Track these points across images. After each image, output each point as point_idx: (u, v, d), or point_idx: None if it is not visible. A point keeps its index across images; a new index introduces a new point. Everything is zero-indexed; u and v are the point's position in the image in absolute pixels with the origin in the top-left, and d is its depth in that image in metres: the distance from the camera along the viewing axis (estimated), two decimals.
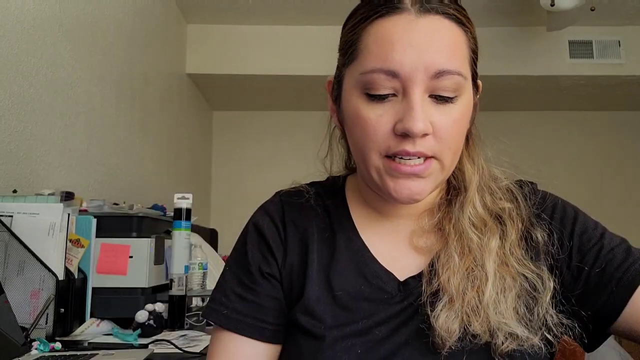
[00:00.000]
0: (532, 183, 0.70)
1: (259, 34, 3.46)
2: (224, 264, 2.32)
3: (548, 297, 0.58)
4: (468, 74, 0.59)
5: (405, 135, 0.56)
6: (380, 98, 0.57)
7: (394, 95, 0.57)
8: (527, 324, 0.56)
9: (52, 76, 1.67)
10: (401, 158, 0.57)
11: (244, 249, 0.67)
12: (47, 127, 1.63)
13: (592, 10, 2.80)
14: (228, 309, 0.64)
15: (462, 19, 0.59)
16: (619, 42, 3.50)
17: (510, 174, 0.69)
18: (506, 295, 0.57)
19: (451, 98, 0.57)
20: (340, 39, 0.64)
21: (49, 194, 1.24)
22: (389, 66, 0.56)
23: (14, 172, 1.44)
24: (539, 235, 0.62)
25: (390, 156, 0.58)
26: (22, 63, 1.50)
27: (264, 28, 3.47)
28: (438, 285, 0.59)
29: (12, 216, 1.12)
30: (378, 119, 0.57)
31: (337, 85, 0.65)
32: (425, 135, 0.56)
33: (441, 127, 0.57)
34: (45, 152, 1.61)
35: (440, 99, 0.57)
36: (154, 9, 2.74)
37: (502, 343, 0.55)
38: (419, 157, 0.57)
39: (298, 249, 0.66)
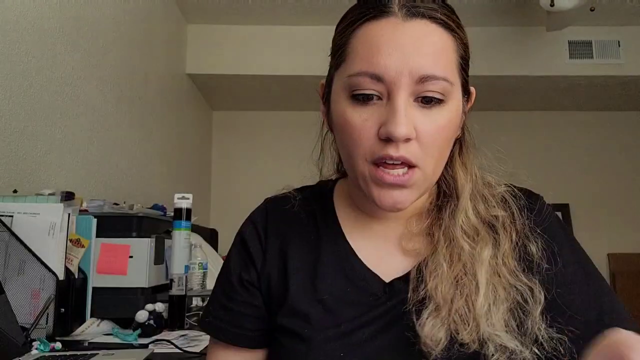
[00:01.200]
0: (529, 192, 0.68)
1: (259, 34, 3.46)
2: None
3: (538, 311, 0.57)
4: (456, 80, 0.59)
5: (388, 140, 0.56)
6: (365, 101, 0.57)
7: (379, 99, 0.57)
8: (518, 337, 0.56)
9: (52, 76, 1.67)
10: (385, 164, 0.57)
11: (229, 258, 0.70)
12: (47, 127, 1.63)
13: (592, 10, 2.80)
14: (213, 317, 0.68)
15: (450, 25, 0.58)
16: (619, 42, 3.50)
17: (505, 180, 0.68)
18: (498, 306, 0.57)
19: (437, 102, 0.57)
20: (332, 42, 0.65)
21: (49, 194, 1.24)
22: (374, 70, 0.56)
23: (14, 172, 1.45)
24: (534, 248, 0.62)
25: (376, 163, 0.57)
26: (22, 63, 1.50)
27: (264, 28, 3.47)
28: (425, 292, 0.58)
29: (12, 216, 1.13)
30: (363, 123, 0.57)
31: (327, 88, 0.66)
32: (408, 140, 0.56)
33: (425, 133, 0.56)
34: (45, 152, 1.61)
35: (425, 103, 0.57)
36: (154, 9, 2.74)
37: (492, 355, 0.54)
38: (402, 166, 0.57)
39: (278, 256, 0.67)
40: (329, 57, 0.65)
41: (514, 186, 0.68)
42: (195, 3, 3.16)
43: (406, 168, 0.57)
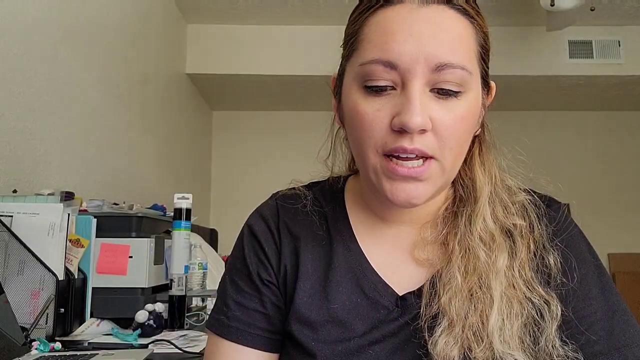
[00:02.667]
0: (551, 199, 0.65)
1: (259, 34, 3.46)
2: (224, 264, 2.31)
3: (554, 327, 0.54)
4: (475, 69, 0.56)
5: (402, 131, 0.52)
6: (378, 91, 0.54)
7: (392, 88, 0.54)
8: (532, 355, 0.53)
9: (52, 76, 1.67)
10: (398, 158, 0.54)
11: (242, 255, 0.65)
12: (47, 127, 1.63)
13: (592, 10, 2.80)
14: (227, 317, 0.62)
15: (469, 11, 0.55)
16: (619, 42, 3.50)
17: (525, 186, 0.64)
18: (512, 322, 0.54)
19: (454, 93, 0.53)
20: (344, 32, 0.62)
21: (48, 194, 1.24)
22: (388, 57, 0.53)
23: (14, 172, 1.44)
24: (552, 259, 0.58)
25: (388, 155, 0.54)
26: (22, 63, 1.50)
27: (264, 28, 3.47)
28: (438, 307, 0.55)
29: (12, 216, 1.12)
30: (375, 114, 0.54)
31: (339, 80, 0.63)
32: (423, 131, 0.52)
33: (442, 123, 0.53)
34: (45, 152, 1.61)
35: (441, 93, 0.53)
36: (154, 9, 2.73)
37: None
38: (417, 158, 0.53)
39: (290, 257, 0.63)
40: (341, 49, 0.62)
41: (535, 192, 0.65)
42: (195, 3, 3.16)
43: (422, 160, 0.54)
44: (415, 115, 0.51)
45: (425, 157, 0.54)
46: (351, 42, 0.58)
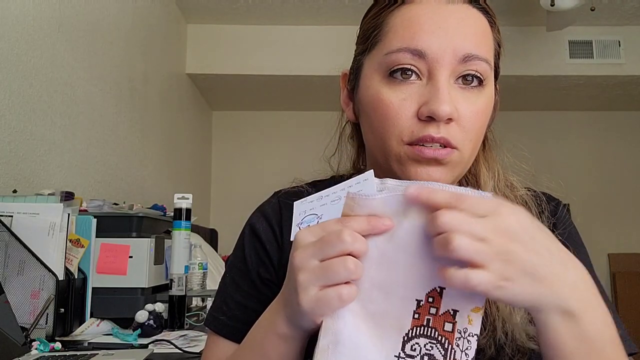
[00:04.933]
0: (550, 196, 0.67)
1: (259, 34, 3.46)
2: (224, 264, 2.31)
3: None
4: (492, 66, 0.58)
5: (429, 120, 0.53)
6: (404, 79, 0.55)
7: (418, 78, 0.55)
8: (534, 342, 0.53)
9: (52, 76, 1.67)
10: (423, 145, 0.54)
11: (242, 254, 0.65)
12: (47, 127, 1.63)
13: (592, 10, 2.80)
14: (227, 316, 0.63)
15: (490, 12, 0.59)
16: (619, 42, 3.50)
17: (526, 182, 0.66)
18: (516, 309, 0.54)
19: (479, 81, 0.56)
20: (360, 28, 0.63)
21: (49, 194, 1.24)
22: (416, 45, 0.54)
23: (14, 172, 1.44)
24: None
25: (414, 144, 0.55)
26: (22, 63, 1.50)
27: (264, 28, 3.47)
28: None
29: (12, 216, 1.12)
30: (401, 103, 0.55)
31: (353, 76, 0.63)
32: (450, 120, 0.54)
33: (465, 115, 0.55)
34: (45, 152, 1.61)
35: (466, 83, 0.55)
36: (154, 9, 2.74)
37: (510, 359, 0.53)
38: (442, 147, 0.55)
39: None
40: (355, 45, 0.64)
41: (535, 190, 0.67)
42: (195, 3, 3.16)
43: (446, 148, 0.55)
44: (445, 104, 0.52)
45: (449, 147, 0.55)
46: (374, 35, 0.59)
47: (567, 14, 2.76)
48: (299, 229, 0.45)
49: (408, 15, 0.56)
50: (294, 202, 0.55)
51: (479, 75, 0.55)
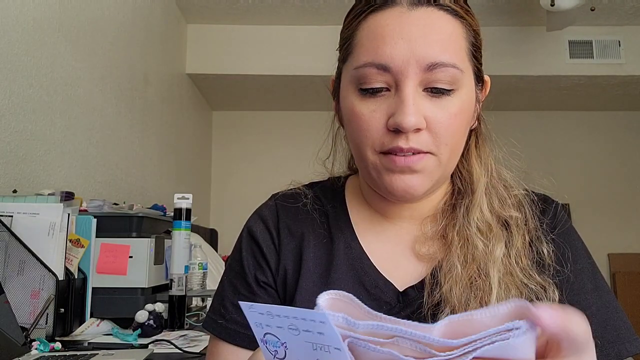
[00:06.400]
0: (546, 197, 0.67)
1: (259, 34, 3.46)
2: (223, 264, 2.31)
3: None
4: (467, 67, 0.57)
5: (397, 131, 0.54)
6: (372, 93, 0.56)
7: (387, 89, 0.56)
8: None
9: (52, 76, 1.67)
10: (395, 155, 0.55)
11: (239, 257, 0.66)
12: (47, 127, 1.63)
13: (592, 10, 2.80)
14: (225, 319, 0.63)
15: (458, 11, 0.57)
16: (619, 42, 3.50)
17: (520, 181, 0.66)
18: None
19: (447, 91, 0.55)
20: (340, 35, 0.64)
21: (49, 194, 1.24)
22: (380, 60, 0.55)
23: (14, 172, 1.44)
24: (545, 250, 0.60)
25: (386, 154, 0.56)
26: (22, 63, 1.50)
27: (264, 28, 3.47)
28: (440, 296, 0.57)
29: (12, 216, 1.12)
30: (371, 115, 0.56)
31: (337, 82, 0.65)
32: (418, 130, 0.54)
33: (436, 121, 0.55)
34: (45, 152, 1.61)
35: (434, 92, 0.55)
36: (154, 9, 2.74)
37: None
38: (413, 155, 0.55)
39: (292, 256, 0.64)
40: (337, 52, 0.64)
41: (533, 192, 0.67)
42: (195, 3, 3.16)
43: (419, 154, 0.56)
44: (409, 116, 0.53)
45: (420, 152, 0.56)
46: (346, 46, 0.60)
47: (567, 14, 2.76)
48: (266, 347, 0.34)
49: (373, 27, 0.56)
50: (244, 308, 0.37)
51: (446, 86, 0.55)
